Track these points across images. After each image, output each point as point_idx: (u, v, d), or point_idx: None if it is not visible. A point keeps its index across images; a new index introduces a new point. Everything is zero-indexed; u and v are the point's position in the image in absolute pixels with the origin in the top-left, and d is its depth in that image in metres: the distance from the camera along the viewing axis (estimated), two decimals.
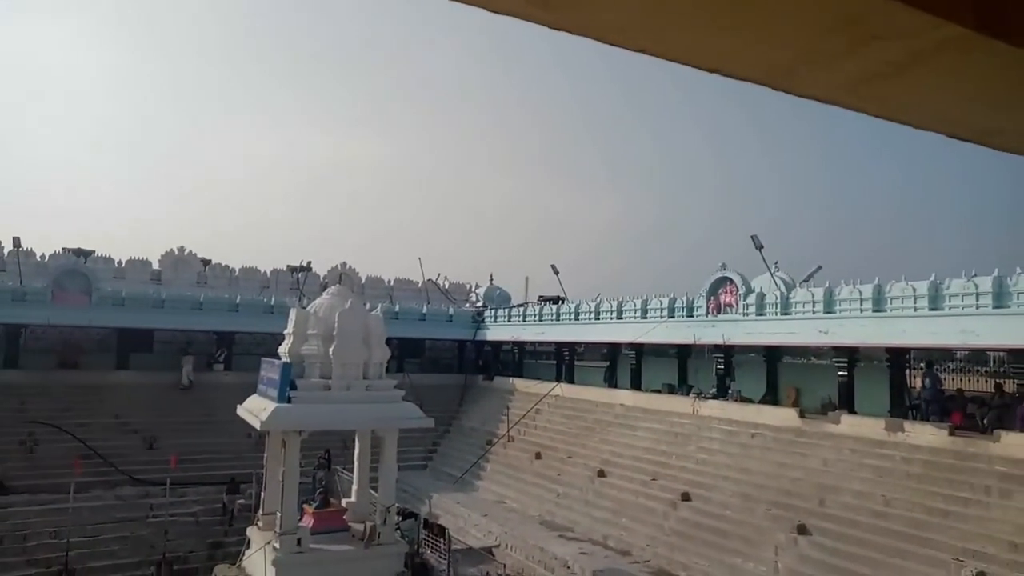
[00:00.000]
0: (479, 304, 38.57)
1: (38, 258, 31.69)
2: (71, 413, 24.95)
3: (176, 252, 35.36)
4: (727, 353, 21.77)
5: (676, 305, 23.07)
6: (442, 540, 16.39)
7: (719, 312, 21.54)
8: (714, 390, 21.84)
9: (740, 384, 21.54)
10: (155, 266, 34.60)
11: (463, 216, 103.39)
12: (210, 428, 26.15)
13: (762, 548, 15.24)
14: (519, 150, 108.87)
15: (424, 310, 34.71)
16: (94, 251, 32.47)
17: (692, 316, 22.43)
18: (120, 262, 33.85)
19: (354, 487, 18.03)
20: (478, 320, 35.09)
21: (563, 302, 31.14)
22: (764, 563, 14.86)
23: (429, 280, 41.43)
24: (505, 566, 15.30)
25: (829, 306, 18.43)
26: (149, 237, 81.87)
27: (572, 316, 27.84)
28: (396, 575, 15.30)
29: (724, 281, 21.61)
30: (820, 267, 23.15)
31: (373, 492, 17.74)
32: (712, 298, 21.80)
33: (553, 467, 23.08)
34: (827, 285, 18.84)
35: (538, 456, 24.06)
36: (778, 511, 16.08)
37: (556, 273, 33.62)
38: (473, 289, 42.02)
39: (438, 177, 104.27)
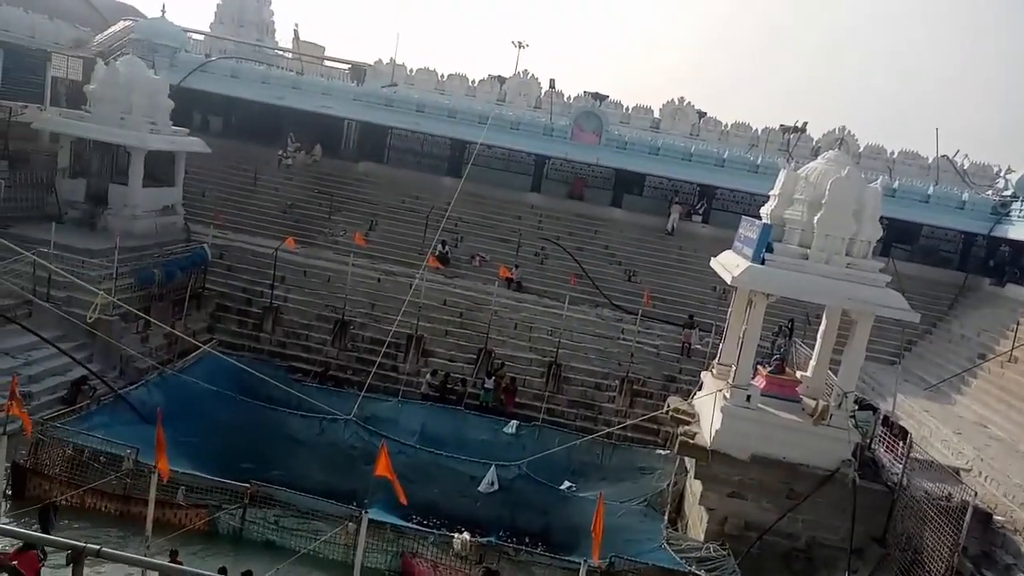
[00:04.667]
0: (1006, 193, 31.50)
1: (565, 99, 36.46)
2: (572, 238, 29.25)
3: (676, 103, 36.75)
4: None
5: None
6: (901, 443, 14.99)
7: None
8: None
9: None
10: (656, 114, 36.69)
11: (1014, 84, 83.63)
12: (682, 274, 27.97)
13: None
14: None
15: (929, 191, 29.93)
16: (608, 96, 35.85)
17: None
18: (627, 108, 36.77)
19: (812, 363, 17.52)
20: (1000, 212, 28.90)
21: None
22: None
23: (943, 156, 35.16)
24: (976, 495, 13.33)
25: None
26: (654, 86, 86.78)
27: None
28: (841, 461, 14.71)
29: None
30: None
31: (831, 373, 17.00)
32: None
33: None
34: None
35: None
36: None
37: None
38: (1002, 174, 34.33)
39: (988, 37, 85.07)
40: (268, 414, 17.65)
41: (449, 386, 21.59)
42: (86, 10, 33.63)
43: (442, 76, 37.93)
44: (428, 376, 21.68)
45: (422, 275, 22.29)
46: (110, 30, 31.61)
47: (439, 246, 25.78)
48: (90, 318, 17.82)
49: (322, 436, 17.56)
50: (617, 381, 22.48)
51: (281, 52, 43.17)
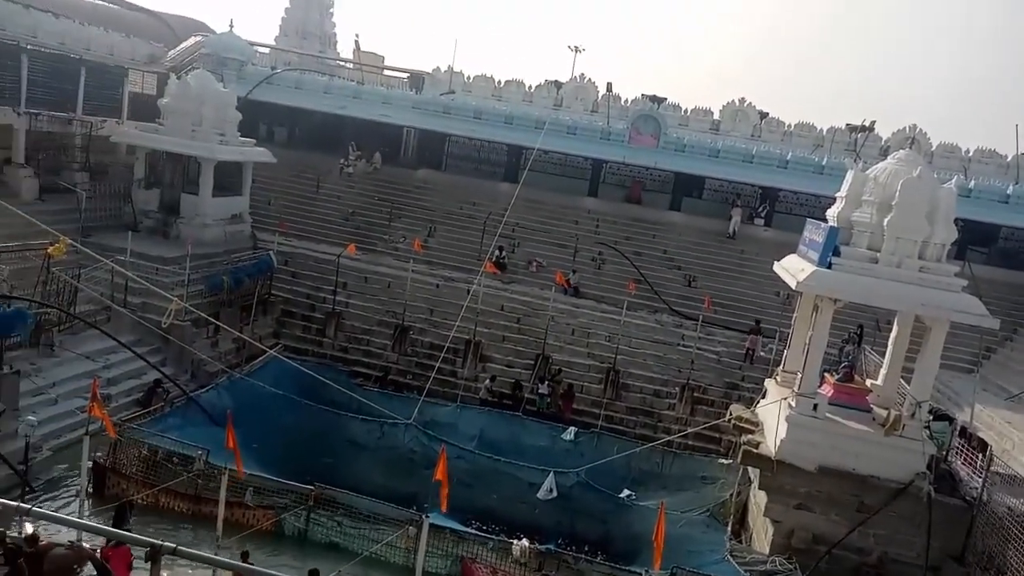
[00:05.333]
0: None
1: (622, 103, 36.16)
2: (630, 242, 28.95)
3: (736, 104, 36.00)
4: None
5: None
6: (980, 456, 14.30)
7: None
8: None
9: None
10: (715, 116, 36.02)
11: None
12: (744, 279, 27.34)
13: None
14: None
15: (1009, 190, 28.51)
16: (666, 99, 35.41)
17: None
18: (686, 111, 36.21)
19: (883, 371, 16.89)
20: None
21: None
22: None
23: (1023, 154, 33.47)
24: None
25: None
26: (714, 88, 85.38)
27: None
28: (915, 474, 14.10)
29: None
30: None
31: (903, 382, 16.35)
32: None
33: None
34: None
35: None
36: None
37: None
38: None
39: None
40: (330, 417, 18.02)
41: (516, 393, 21.55)
42: (159, 26, 35.14)
43: (499, 82, 38.12)
44: (488, 382, 21.77)
45: (480, 281, 22.42)
46: (182, 46, 32.93)
47: (496, 252, 25.88)
48: (164, 323, 18.55)
49: (383, 440, 17.83)
50: (677, 388, 22.11)
51: (342, 63, 44.18)
